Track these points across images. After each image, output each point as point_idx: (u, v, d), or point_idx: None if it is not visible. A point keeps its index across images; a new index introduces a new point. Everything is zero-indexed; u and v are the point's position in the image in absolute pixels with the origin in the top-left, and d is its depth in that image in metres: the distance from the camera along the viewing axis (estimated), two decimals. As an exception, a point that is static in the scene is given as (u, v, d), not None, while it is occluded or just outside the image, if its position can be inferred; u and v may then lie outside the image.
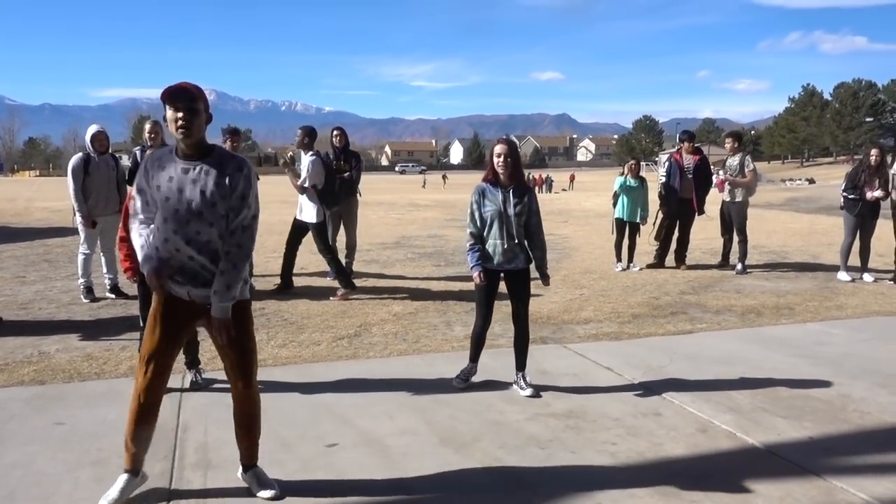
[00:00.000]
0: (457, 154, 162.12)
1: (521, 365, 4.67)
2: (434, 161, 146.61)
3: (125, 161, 8.23)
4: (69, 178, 7.06)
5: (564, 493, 3.23)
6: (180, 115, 2.83)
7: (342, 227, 8.77)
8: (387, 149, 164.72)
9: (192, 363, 4.71)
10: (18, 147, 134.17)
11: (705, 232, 11.70)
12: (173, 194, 2.91)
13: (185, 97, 2.85)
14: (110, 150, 7.48)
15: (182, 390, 4.56)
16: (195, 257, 2.96)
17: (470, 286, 8.04)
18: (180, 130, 2.84)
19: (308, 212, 7.59)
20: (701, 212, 9.74)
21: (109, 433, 3.83)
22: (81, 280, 7.32)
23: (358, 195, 8.92)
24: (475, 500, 3.18)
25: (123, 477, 3.13)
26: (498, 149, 4.48)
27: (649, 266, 9.78)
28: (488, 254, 4.52)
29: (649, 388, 4.68)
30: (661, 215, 9.91)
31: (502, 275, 4.63)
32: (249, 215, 2.96)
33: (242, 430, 3.24)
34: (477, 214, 4.52)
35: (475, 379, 4.76)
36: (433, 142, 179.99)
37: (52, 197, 29.39)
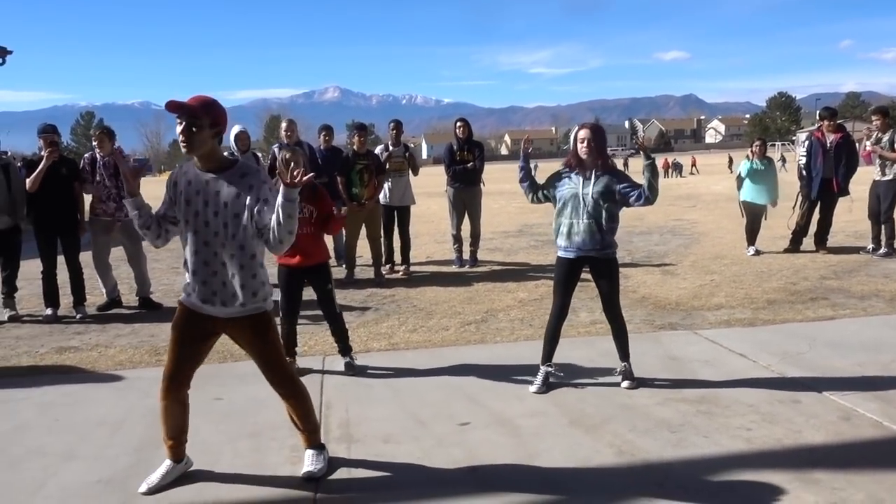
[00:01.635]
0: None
1: (622, 355, 4.57)
2: (554, 149, 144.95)
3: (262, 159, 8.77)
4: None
5: (697, 477, 3.22)
6: (180, 129, 2.93)
7: (466, 216, 8.94)
8: (506, 138, 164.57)
9: (345, 350, 4.98)
10: (164, 149, 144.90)
11: (850, 214, 10.98)
12: (200, 207, 3.03)
13: (184, 113, 2.92)
14: (251, 149, 8.00)
15: (323, 371, 4.87)
16: (220, 270, 3.08)
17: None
18: (182, 144, 2.97)
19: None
20: (844, 193, 9.16)
21: (261, 409, 4.17)
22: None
23: (481, 185, 9.06)
24: (606, 480, 3.22)
25: (167, 463, 3.34)
26: (582, 133, 4.34)
27: (786, 250, 9.32)
28: (563, 238, 4.41)
29: (786, 375, 4.52)
30: (801, 197, 9.40)
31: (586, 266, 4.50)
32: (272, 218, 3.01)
33: (297, 420, 3.41)
34: (546, 189, 4.50)
35: (599, 364, 4.77)
36: (553, 129, 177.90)
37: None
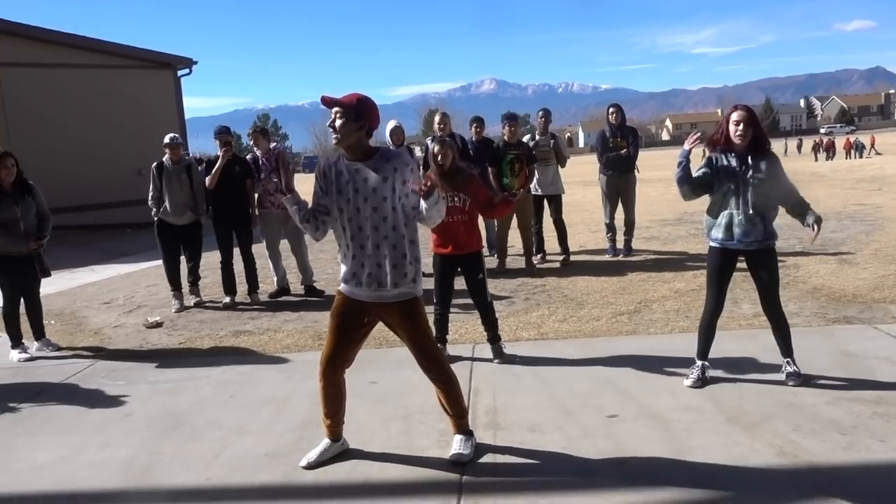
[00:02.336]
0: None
1: (785, 351, 4.25)
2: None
3: (418, 152, 9.04)
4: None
5: (870, 484, 2.95)
6: (329, 122, 3.17)
7: (619, 203, 8.71)
8: (667, 122, 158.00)
9: (494, 339, 5.04)
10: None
11: None
12: (351, 195, 3.21)
13: (334, 107, 3.17)
14: (405, 143, 8.26)
15: (473, 359, 4.96)
16: (374, 252, 3.22)
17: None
18: (333, 136, 3.19)
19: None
20: None
21: (414, 393, 4.33)
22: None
23: (636, 171, 8.79)
24: (765, 483, 3.04)
25: (325, 442, 3.54)
26: (736, 116, 4.06)
27: None
28: (721, 229, 4.15)
29: (985, 377, 4.03)
30: None
31: (741, 257, 4.22)
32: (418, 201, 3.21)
33: (446, 406, 3.48)
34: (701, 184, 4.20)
35: (761, 360, 4.49)
36: (718, 111, 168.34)
37: (358, 188, 33.08)
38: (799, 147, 52.12)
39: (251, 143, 7.53)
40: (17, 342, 5.82)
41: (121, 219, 16.57)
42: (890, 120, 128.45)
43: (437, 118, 8.13)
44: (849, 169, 24.53)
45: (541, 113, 8.60)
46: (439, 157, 4.71)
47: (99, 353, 5.87)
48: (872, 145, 43.84)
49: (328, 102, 3.19)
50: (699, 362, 4.30)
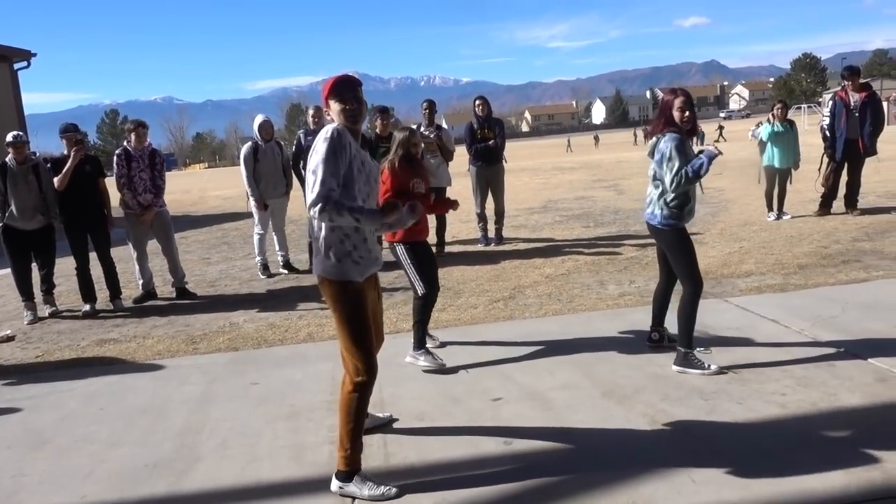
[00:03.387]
0: (599, 114, 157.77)
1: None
2: (575, 122, 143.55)
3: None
4: (241, 166, 7.72)
5: (733, 442, 3.23)
6: (349, 105, 2.96)
7: (489, 193, 8.93)
8: (526, 114, 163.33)
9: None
10: (188, 143, 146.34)
11: (878, 175, 10.80)
12: (369, 173, 3.07)
13: (352, 88, 3.00)
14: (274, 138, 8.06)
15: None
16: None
17: (621, 247, 8.02)
18: (350, 119, 2.96)
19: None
20: (871, 153, 9.00)
21: (297, 392, 4.27)
22: (258, 258, 8.03)
23: (503, 161, 9.05)
24: (642, 449, 3.25)
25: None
26: (679, 102, 4.07)
27: (816, 214, 9.22)
28: (689, 214, 4.18)
29: (820, 339, 4.50)
30: (826, 159, 9.28)
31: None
32: None
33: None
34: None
35: (629, 336, 4.78)
36: (574, 103, 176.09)
37: (221, 186, 31.94)
38: (645, 136, 55.56)
39: (130, 136, 6.98)
40: None
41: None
42: (725, 109, 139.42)
43: (310, 111, 8.01)
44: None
45: (425, 104, 8.58)
46: (417, 146, 4.68)
47: (-59, 373, 5.34)
48: (720, 132, 47.18)
49: (345, 84, 3.00)
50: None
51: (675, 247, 4.20)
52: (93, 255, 6.88)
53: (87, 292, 6.91)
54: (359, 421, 3.04)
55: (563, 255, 7.89)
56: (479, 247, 8.88)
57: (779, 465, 2.99)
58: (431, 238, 8.58)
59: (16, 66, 17.64)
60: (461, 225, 10.76)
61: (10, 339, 6.12)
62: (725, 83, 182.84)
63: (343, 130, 2.94)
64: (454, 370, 4.47)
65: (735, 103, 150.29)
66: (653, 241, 4.56)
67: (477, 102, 8.92)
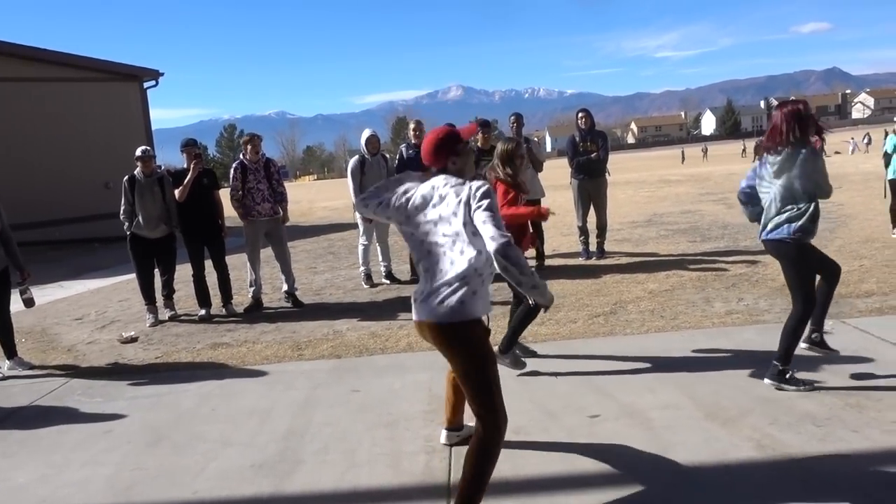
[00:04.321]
0: (709, 124, 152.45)
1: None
2: (684, 134, 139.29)
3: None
4: (349, 178, 7.97)
5: (846, 473, 3.04)
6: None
7: (591, 207, 8.82)
8: (632, 126, 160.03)
9: None
10: (299, 155, 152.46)
11: None
12: None
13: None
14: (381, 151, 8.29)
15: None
16: None
17: (729, 263, 7.72)
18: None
19: None
20: None
21: (396, 400, 4.35)
22: (362, 268, 8.25)
23: (607, 174, 8.91)
24: (746, 476, 3.11)
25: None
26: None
27: (948, 231, 8.55)
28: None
29: (950, 367, 4.17)
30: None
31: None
32: None
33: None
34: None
35: (737, 356, 4.59)
36: (682, 114, 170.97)
37: (329, 197, 33.03)
38: (757, 150, 53.39)
39: (246, 148, 7.36)
40: None
41: (89, 233, 16.33)
42: (847, 119, 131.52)
43: (412, 125, 8.19)
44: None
45: (512, 118, 8.64)
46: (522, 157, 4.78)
47: (73, 370, 5.79)
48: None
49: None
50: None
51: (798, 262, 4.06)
52: (207, 263, 7.29)
53: (203, 297, 7.32)
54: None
55: (668, 271, 7.67)
56: (580, 260, 8.77)
57: (899, 500, 2.79)
58: (530, 251, 8.59)
59: (145, 84, 18.97)
60: (562, 238, 10.66)
61: (133, 340, 6.56)
62: (848, 91, 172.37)
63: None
64: (550, 382, 4.43)
65: (859, 112, 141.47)
66: (763, 257, 4.39)
67: (580, 115, 8.84)
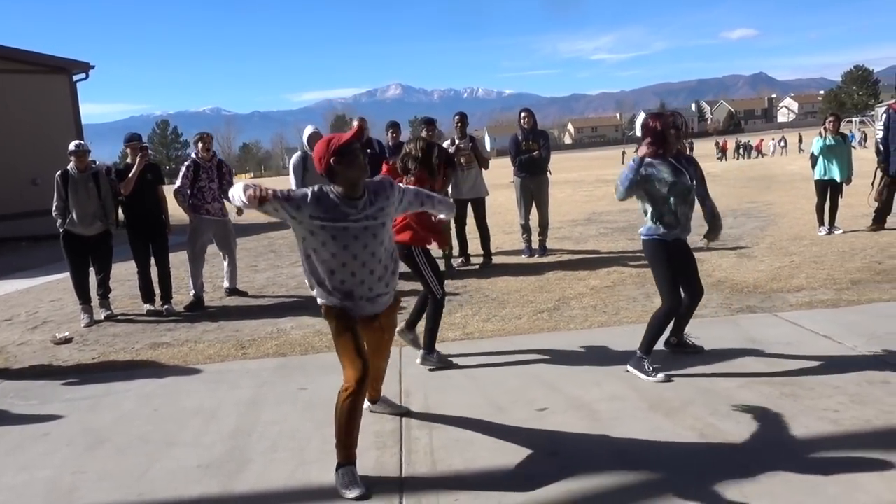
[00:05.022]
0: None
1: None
2: (619, 135, 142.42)
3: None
4: (291, 175, 7.87)
5: (785, 458, 3.18)
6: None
7: (533, 205, 8.94)
8: (569, 126, 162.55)
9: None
10: (234, 153, 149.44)
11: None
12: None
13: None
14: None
15: (399, 364, 4.99)
16: None
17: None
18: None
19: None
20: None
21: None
22: (305, 266, 8.17)
23: (548, 173, 9.05)
24: (690, 463, 3.22)
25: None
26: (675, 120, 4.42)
27: (869, 229, 8.99)
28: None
29: (875, 357, 4.40)
30: (879, 173, 9.07)
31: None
32: None
33: None
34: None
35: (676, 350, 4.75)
36: (617, 115, 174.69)
37: (267, 195, 32.39)
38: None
39: (198, 146, 7.28)
40: None
41: (15, 232, 15.61)
42: (773, 123, 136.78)
43: (355, 123, 8.13)
44: (738, 168, 26.05)
45: (457, 118, 8.70)
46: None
47: (4, 372, 5.55)
48: (759, 148, 47.04)
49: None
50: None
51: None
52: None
53: (148, 293, 7.19)
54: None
55: (609, 267, 7.85)
56: (523, 258, 8.88)
57: (833, 483, 2.94)
58: (474, 249, 8.65)
59: (75, 77, 18.27)
60: (505, 236, 10.78)
61: (68, 341, 6.33)
62: (774, 96, 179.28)
63: None
64: (500, 377, 4.48)
65: (784, 116, 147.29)
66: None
67: (522, 115, 8.95)
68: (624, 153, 52.20)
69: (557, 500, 2.98)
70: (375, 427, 3.83)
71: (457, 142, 8.49)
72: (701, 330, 5.06)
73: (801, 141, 44.83)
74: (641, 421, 3.70)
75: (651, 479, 3.10)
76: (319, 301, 3.41)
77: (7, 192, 15.80)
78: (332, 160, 3.19)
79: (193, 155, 7.29)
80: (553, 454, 3.41)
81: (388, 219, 3.38)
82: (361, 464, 3.42)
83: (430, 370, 4.78)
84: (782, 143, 47.98)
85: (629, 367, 4.40)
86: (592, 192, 19.42)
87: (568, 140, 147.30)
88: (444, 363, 4.83)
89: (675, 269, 4.41)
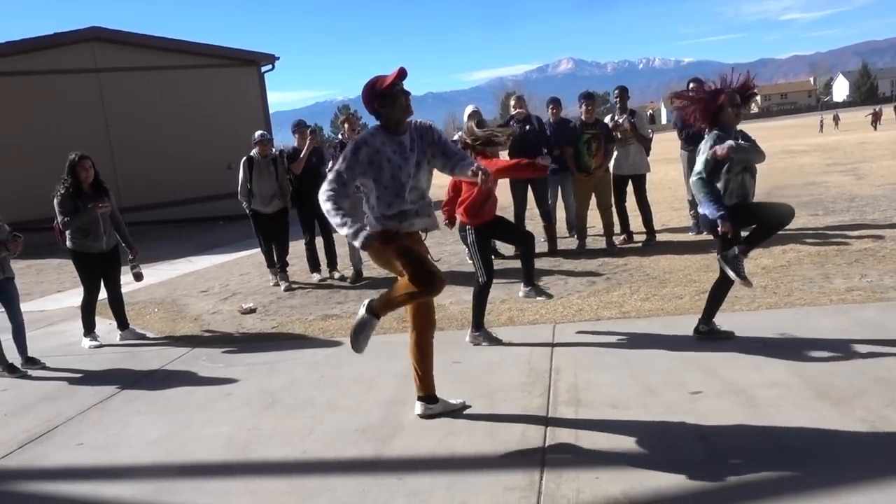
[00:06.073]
0: (841, 90, 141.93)
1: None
2: (812, 101, 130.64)
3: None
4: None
5: (970, 459, 2.86)
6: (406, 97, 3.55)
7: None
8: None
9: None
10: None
11: None
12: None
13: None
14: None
15: (553, 343, 5.01)
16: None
17: (853, 238, 7.27)
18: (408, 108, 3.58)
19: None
20: None
21: (495, 372, 4.44)
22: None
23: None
24: (856, 457, 2.98)
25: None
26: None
27: None
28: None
29: None
30: None
31: None
32: None
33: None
34: None
35: (853, 335, 4.36)
36: (811, 80, 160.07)
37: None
38: (835, 120, 48.11)
39: (344, 126, 7.80)
40: (89, 331, 6.24)
41: (214, 212, 17.35)
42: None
43: (512, 101, 8.17)
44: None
45: (616, 92, 8.46)
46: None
47: (199, 338, 6.24)
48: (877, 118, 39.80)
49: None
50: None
51: None
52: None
53: (314, 263, 8.03)
54: None
55: (784, 245, 7.31)
56: (691, 235, 8.50)
57: None
58: (637, 227, 8.40)
59: (262, 69, 19.81)
60: (672, 213, 10.36)
61: (252, 311, 6.98)
62: None
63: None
64: (651, 358, 4.37)
65: None
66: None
67: (690, 85, 8.49)
68: (822, 121, 46.07)
69: (704, 487, 2.88)
70: (523, 402, 3.90)
71: (616, 117, 8.26)
72: (886, 314, 4.63)
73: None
74: (804, 409, 3.46)
75: (810, 472, 2.90)
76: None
77: (206, 176, 17.55)
78: (376, 103, 3.52)
79: (341, 136, 7.73)
80: (703, 438, 3.29)
81: (426, 157, 3.66)
82: (506, 437, 3.52)
83: (580, 347, 4.75)
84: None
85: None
86: (774, 164, 18.05)
87: (754, 109, 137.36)
88: (490, 341, 5.02)
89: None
